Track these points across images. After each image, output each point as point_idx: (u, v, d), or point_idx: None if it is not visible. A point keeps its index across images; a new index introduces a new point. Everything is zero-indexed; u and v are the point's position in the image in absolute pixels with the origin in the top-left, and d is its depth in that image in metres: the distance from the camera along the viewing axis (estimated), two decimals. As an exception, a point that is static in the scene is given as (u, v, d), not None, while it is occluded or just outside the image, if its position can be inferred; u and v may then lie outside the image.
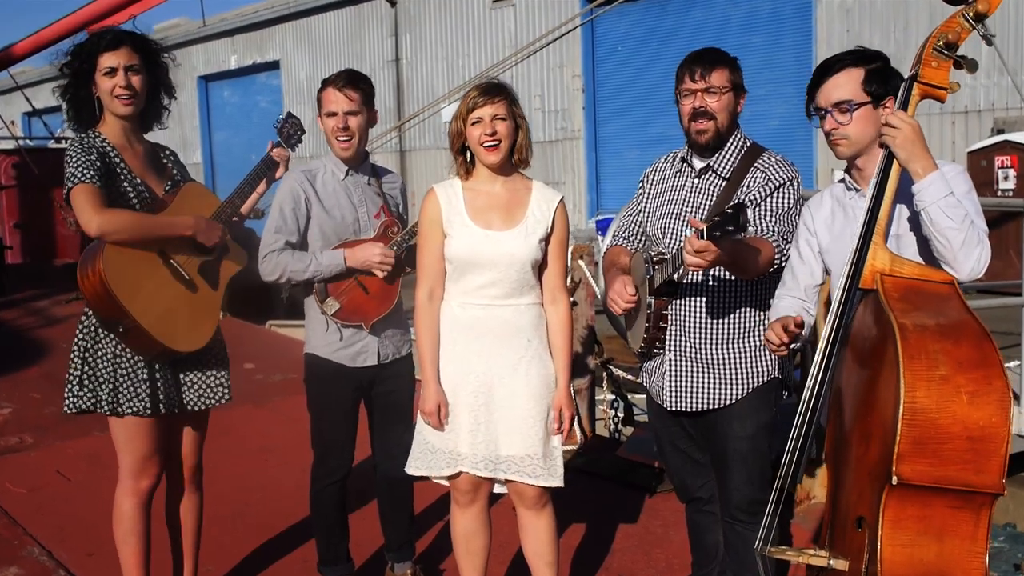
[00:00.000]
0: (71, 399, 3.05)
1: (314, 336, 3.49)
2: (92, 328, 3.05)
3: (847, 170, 2.69)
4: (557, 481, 2.98)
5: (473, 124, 2.89)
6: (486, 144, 2.88)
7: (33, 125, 20.83)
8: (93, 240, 2.95)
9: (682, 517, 3.41)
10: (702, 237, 2.48)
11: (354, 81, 3.39)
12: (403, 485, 3.54)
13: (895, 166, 2.36)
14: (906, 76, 2.43)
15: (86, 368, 3.04)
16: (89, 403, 3.03)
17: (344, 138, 3.39)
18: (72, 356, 3.07)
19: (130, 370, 3.02)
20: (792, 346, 2.63)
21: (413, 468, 3.06)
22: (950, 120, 12.18)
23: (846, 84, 2.55)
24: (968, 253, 2.31)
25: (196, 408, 3.19)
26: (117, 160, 3.01)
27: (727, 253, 2.58)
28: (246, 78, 23.81)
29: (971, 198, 2.41)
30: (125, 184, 3.01)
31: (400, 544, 3.70)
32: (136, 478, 3.11)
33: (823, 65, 2.64)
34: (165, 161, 3.25)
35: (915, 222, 2.45)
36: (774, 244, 2.86)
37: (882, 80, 2.54)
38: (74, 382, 3.04)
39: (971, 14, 2.32)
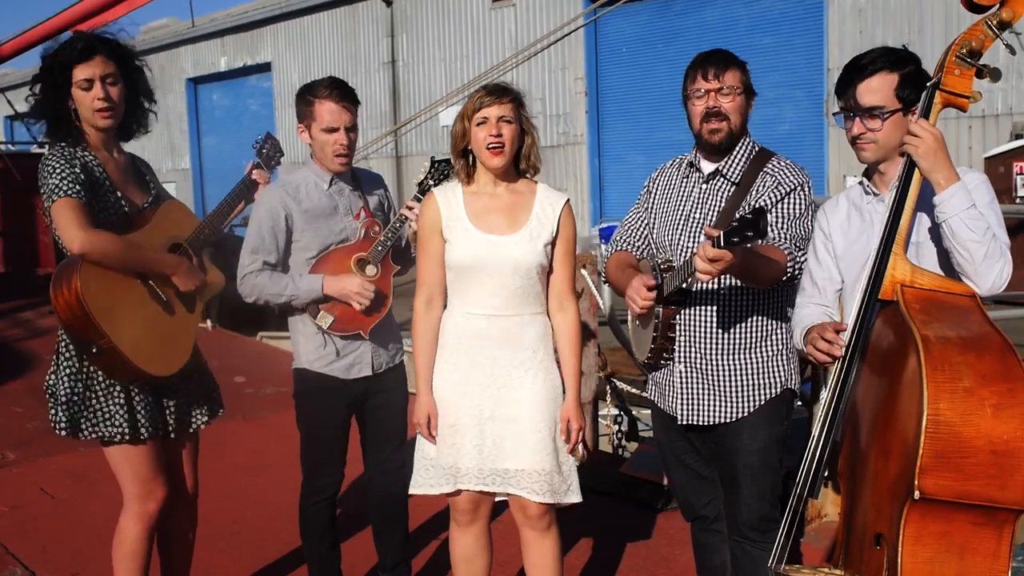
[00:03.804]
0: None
1: (306, 350, 3.41)
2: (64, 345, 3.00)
3: (866, 174, 2.64)
4: (567, 498, 2.92)
5: (478, 125, 2.82)
6: (490, 146, 2.81)
7: (16, 129, 20.43)
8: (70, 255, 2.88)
9: (688, 536, 3.31)
10: (718, 245, 2.40)
11: (349, 95, 3.36)
12: (397, 501, 3.50)
13: (916, 175, 2.32)
14: (928, 84, 2.38)
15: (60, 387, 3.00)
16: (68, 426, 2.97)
17: (344, 154, 3.35)
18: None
19: (104, 392, 2.95)
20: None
21: (413, 487, 3.00)
22: (967, 125, 11.97)
23: (880, 89, 2.49)
24: (990, 267, 2.28)
25: (175, 435, 3.14)
26: (102, 172, 2.96)
27: (739, 262, 2.51)
28: (236, 80, 23.68)
29: (993, 208, 2.38)
30: (107, 197, 2.96)
31: (395, 563, 3.62)
32: (142, 502, 3.04)
33: (855, 65, 2.55)
34: (147, 177, 3.21)
35: (935, 231, 2.40)
36: (787, 252, 2.81)
37: (915, 86, 2.47)
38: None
39: (995, 22, 2.30)
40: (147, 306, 2.99)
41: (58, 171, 2.81)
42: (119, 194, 2.98)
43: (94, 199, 2.88)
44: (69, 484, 5.06)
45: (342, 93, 3.31)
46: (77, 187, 2.81)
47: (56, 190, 2.79)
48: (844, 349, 2.36)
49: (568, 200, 3.00)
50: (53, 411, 2.96)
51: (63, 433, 2.94)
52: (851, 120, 2.53)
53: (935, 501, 2.02)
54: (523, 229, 2.88)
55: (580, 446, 2.97)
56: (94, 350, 2.85)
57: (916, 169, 2.32)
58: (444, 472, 2.93)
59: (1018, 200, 10.66)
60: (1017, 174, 10.73)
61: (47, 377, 3.01)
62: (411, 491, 3.02)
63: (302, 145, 3.45)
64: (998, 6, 2.31)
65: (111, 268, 2.88)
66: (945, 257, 2.39)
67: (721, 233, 2.38)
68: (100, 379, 2.94)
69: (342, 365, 3.39)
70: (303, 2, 21.01)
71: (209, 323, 8.55)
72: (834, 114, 2.65)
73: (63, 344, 2.97)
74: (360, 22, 20.11)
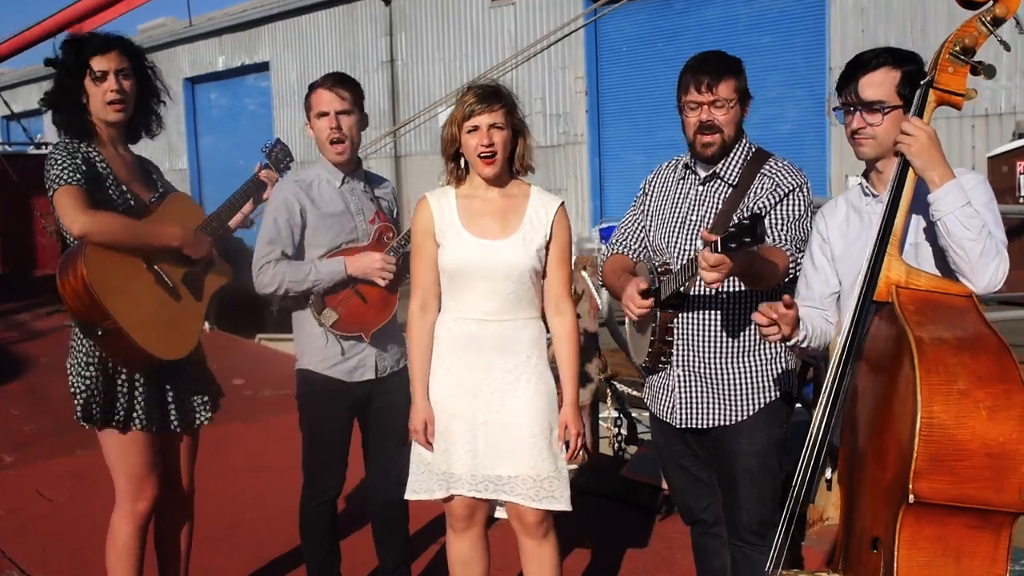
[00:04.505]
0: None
1: (310, 351, 3.41)
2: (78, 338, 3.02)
3: (865, 174, 2.64)
4: (561, 504, 2.89)
5: (469, 132, 2.81)
6: (482, 155, 2.81)
7: (12, 129, 20.31)
8: (73, 243, 2.91)
9: (689, 539, 3.31)
10: (716, 250, 2.39)
11: (344, 80, 3.38)
12: (398, 505, 3.45)
13: (910, 174, 2.32)
14: (921, 82, 2.38)
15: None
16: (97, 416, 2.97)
17: (337, 139, 3.34)
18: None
19: (110, 380, 2.97)
20: (794, 341, 2.53)
21: (409, 492, 3.01)
22: (970, 124, 11.90)
23: (882, 84, 2.49)
24: (985, 265, 2.28)
25: (179, 428, 3.14)
26: (105, 166, 2.97)
27: (741, 265, 2.50)
28: (234, 80, 23.58)
29: (991, 208, 2.38)
30: (111, 191, 2.97)
31: (395, 566, 3.62)
32: (133, 500, 3.05)
33: (858, 60, 2.56)
34: (154, 176, 3.23)
35: (932, 231, 2.40)
36: (788, 253, 2.80)
37: (916, 84, 2.44)
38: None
39: (988, 18, 2.28)
40: (153, 291, 3.00)
41: (59, 162, 2.86)
42: (124, 188, 3.00)
43: (97, 191, 2.90)
44: (67, 487, 5.04)
45: (335, 80, 3.35)
46: (78, 176, 2.84)
47: (57, 179, 2.83)
48: (839, 352, 2.35)
49: (562, 203, 2.98)
50: (75, 402, 2.99)
51: (87, 424, 2.97)
52: (851, 114, 2.53)
53: (930, 505, 2.01)
54: (516, 233, 2.87)
55: (580, 449, 2.93)
56: (99, 332, 2.86)
57: (910, 168, 2.31)
58: (437, 477, 2.92)
59: (1021, 200, 10.60)
60: (1020, 173, 10.66)
61: (68, 376, 3.02)
62: (406, 496, 3.01)
63: (300, 146, 3.44)
64: (992, 2, 2.28)
65: (116, 246, 2.89)
66: (943, 257, 2.38)
67: (718, 239, 2.37)
68: (108, 368, 2.96)
69: (346, 367, 3.38)
70: (301, 1, 20.93)
71: (207, 325, 8.50)
72: (834, 109, 2.64)
73: (76, 336, 3.00)
74: (358, 21, 20.01)
